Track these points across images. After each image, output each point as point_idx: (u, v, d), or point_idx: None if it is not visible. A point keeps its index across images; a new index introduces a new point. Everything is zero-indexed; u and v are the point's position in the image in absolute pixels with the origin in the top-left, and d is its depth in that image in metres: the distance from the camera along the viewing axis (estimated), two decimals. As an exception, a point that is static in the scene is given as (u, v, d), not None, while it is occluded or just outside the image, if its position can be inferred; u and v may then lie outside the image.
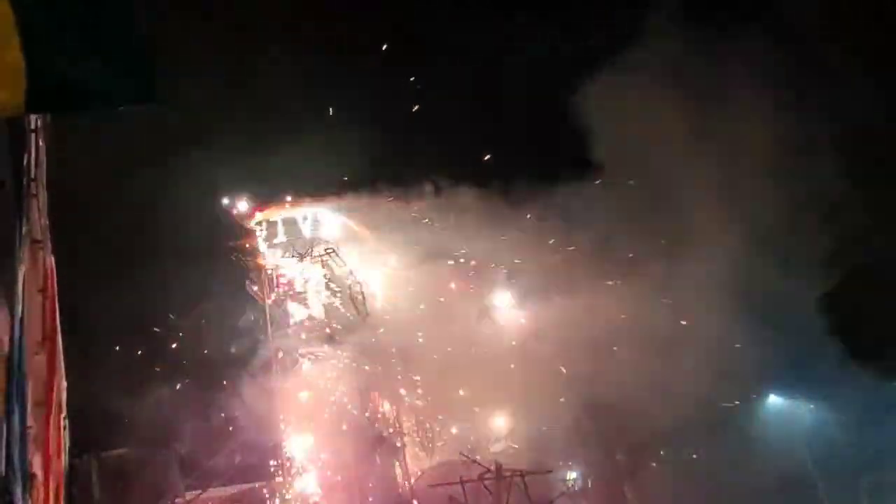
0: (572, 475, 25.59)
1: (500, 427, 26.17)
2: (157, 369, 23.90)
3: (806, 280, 24.95)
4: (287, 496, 23.96)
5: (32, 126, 7.26)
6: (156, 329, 25.08)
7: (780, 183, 24.78)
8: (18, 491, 6.20)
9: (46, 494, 9.65)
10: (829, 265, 24.99)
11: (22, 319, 6.31)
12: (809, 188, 24.52)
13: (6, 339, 6.43)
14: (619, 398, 24.46)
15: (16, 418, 5.89)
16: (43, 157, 9.63)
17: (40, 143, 8.45)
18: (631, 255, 25.39)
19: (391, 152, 28.27)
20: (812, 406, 28.20)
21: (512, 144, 28.45)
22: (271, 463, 24.56)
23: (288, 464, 24.41)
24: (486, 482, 20.23)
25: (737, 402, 26.67)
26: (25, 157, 6.96)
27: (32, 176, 7.37)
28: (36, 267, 8.64)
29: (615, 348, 24.37)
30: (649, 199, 26.06)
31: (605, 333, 24.26)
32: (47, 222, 10.12)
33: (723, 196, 25.28)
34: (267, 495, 24.31)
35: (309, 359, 25.33)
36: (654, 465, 25.42)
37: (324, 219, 28.33)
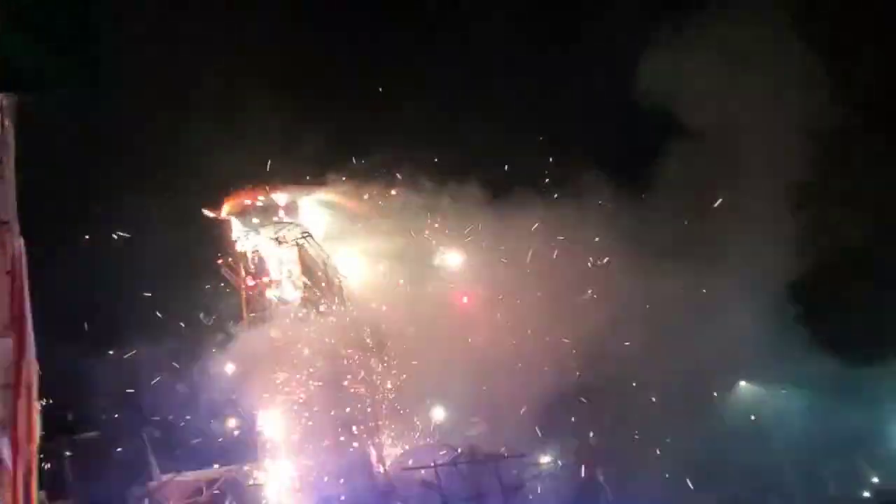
0: (546, 459, 25.88)
1: (475, 412, 26.41)
2: (130, 351, 23.68)
3: (775, 268, 25.38)
4: (261, 479, 24.02)
5: (-2, 107, 7.18)
6: (128, 309, 24.86)
7: (749, 171, 25.11)
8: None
9: (15, 479, 9.64)
10: (798, 253, 25.43)
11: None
12: (779, 176, 24.88)
13: (-29, 323, 6.41)
14: (593, 383, 24.86)
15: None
16: (10, 138, 9.55)
17: (6, 123, 8.36)
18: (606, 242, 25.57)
19: (371, 136, 28.17)
20: (782, 392, 28.75)
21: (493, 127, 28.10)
22: (245, 446, 24.56)
23: (262, 447, 24.44)
24: (460, 466, 20.48)
25: (710, 390, 27.09)
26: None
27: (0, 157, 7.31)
28: (3, 249, 8.58)
29: (588, 334, 24.62)
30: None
31: (579, 320, 24.52)
32: (15, 203, 10.03)
33: (693, 184, 25.59)
34: (241, 478, 24.34)
35: (283, 343, 25.32)
36: (627, 449, 25.76)
37: (300, 205, 28.23)
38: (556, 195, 25.98)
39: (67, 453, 21.09)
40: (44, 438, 16.08)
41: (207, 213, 27.03)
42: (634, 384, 25.29)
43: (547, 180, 26.44)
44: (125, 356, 23.65)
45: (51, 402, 17.12)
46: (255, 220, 27.69)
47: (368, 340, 25.73)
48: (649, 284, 24.84)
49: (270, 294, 26.94)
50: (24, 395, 10.50)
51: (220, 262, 26.96)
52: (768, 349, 25.48)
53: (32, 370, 13.24)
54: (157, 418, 24.35)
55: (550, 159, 26.75)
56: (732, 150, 25.18)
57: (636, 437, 26.26)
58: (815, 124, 24.41)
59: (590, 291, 25.65)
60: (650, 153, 27.45)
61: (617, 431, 25.77)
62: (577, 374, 24.40)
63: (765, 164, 25.09)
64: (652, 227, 25.19)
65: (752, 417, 27.54)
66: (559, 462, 25.55)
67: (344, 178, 27.23)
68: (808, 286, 26.06)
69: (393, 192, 27.18)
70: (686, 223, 25.38)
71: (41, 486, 14.61)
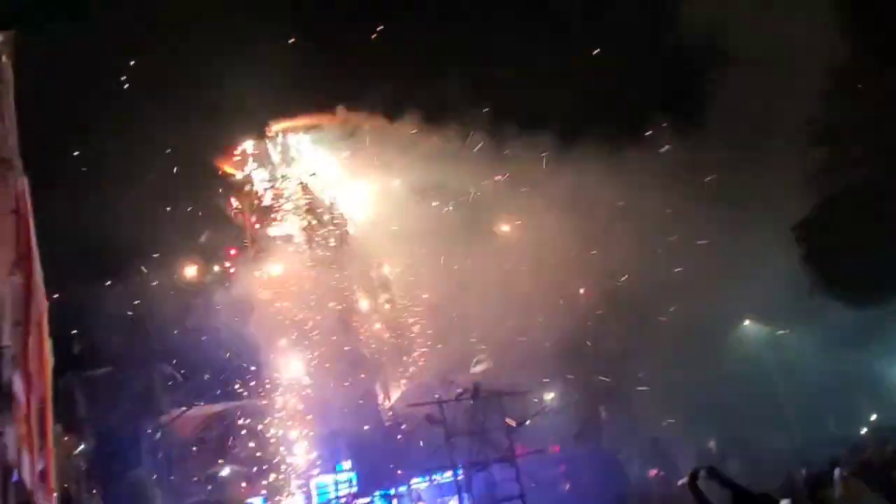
0: (549, 396, 26.24)
1: (479, 348, 26.68)
2: (140, 287, 23.83)
3: (780, 208, 25.19)
4: (268, 414, 24.54)
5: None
6: (135, 247, 24.94)
7: (755, 112, 24.64)
8: (-4, 408, 6.34)
9: (28, 412, 9.85)
10: (803, 194, 25.18)
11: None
12: (785, 117, 24.44)
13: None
14: (597, 318, 24.94)
15: (-10, 339, 5.96)
16: (9, 74, 9.40)
17: (3, 60, 8.22)
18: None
19: (376, 73, 27.60)
20: (786, 332, 28.85)
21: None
22: (253, 382, 25.00)
23: (269, 383, 24.89)
24: (464, 402, 20.80)
25: (714, 328, 27.17)
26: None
27: (-4, 94, 7.19)
28: (6, 188, 8.55)
29: (599, 271, 24.62)
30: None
31: (587, 253, 24.48)
32: (16, 141, 9.95)
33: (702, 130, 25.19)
34: (249, 413, 24.87)
35: (288, 280, 25.52)
36: (630, 387, 26.03)
37: (305, 145, 28.04)
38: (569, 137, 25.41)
39: (79, 389, 21.49)
40: (55, 373, 16.49)
41: (216, 151, 26.96)
42: (639, 322, 25.37)
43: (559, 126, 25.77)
44: (135, 293, 23.78)
45: (61, 337, 17.44)
46: (262, 159, 27.61)
47: (374, 277, 25.87)
48: (661, 225, 24.67)
49: (275, 232, 26.98)
50: (34, 332, 10.65)
51: (229, 202, 26.97)
52: (774, 288, 25.44)
53: (42, 307, 13.42)
54: (168, 355, 24.76)
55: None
56: (745, 87, 24.61)
57: (639, 375, 26.50)
58: (829, 60, 23.79)
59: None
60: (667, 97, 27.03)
61: (620, 369, 26.00)
62: (585, 312, 24.40)
63: (776, 101, 24.56)
64: (665, 167, 24.83)
65: (756, 357, 27.74)
66: (563, 399, 25.89)
67: (352, 117, 26.87)
68: (816, 225, 25.87)
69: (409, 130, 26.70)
70: (694, 162, 25.00)
71: (56, 420, 14.98)
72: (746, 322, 29.91)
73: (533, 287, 24.49)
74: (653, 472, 24.68)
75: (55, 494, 13.43)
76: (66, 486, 16.88)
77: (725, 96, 24.94)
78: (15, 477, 8.54)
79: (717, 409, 24.49)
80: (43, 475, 11.97)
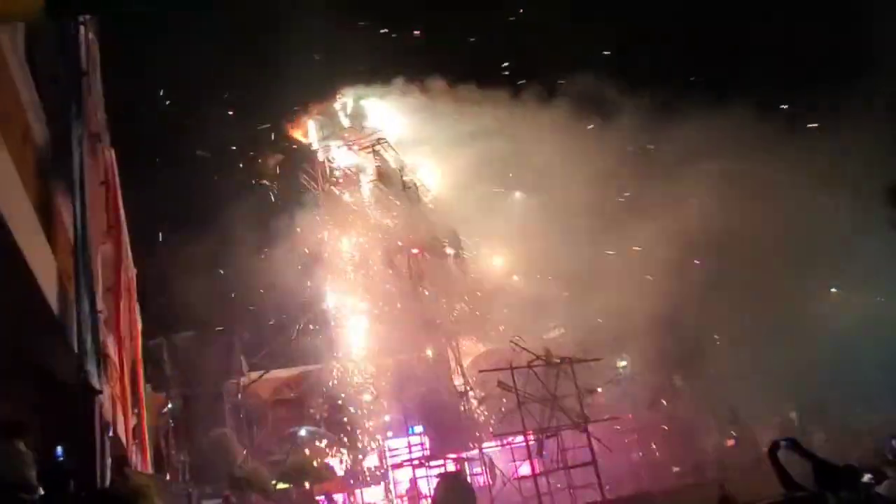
0: (622, 363, 25.90)
1: (552, 314, 26.48)
2: (221, 257, 24.63)
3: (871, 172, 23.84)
4: (343, 378, 25.13)
5: (81, 19, 7.27)
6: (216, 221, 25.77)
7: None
8: (93, 368, 6.70)
9: (122, 372, 10.42)
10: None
11: (84, 211, 6.60)
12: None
13: (72, 229, 6.76)
14: (675, 288, 24.29)
15: (85, 302, 6.29)
16: (96, 51, 9.74)
17: (91, 36, 8.49)
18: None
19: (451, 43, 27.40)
20: (876, 300, 27.53)
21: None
22: (328, 347, 25.61)
23: (344, 348, 25.46)
24: (536, 368, 20.76)
25: (801, 295, 26.18)
26: (76, 51, 7.02)
27: (85, 70, 7.46)
28: (96, 160, 8.92)
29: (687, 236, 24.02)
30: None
31: (666, 223, 23.89)
32: (105, 115, 10.34)
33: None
34: (325, 377, 25.54)
35: (361, 246, 25.86)
36: (708, 354, 25.36)
37: (377, 111, 28.11)
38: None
39: (165, 351, 22.50)
40: (145, 336, 17.33)
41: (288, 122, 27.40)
42: (721, 289, 24.64)
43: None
44: (216, 260, 24.58)
45: (150, 303, 18.31)
46: (333, 128, 27.92)
47: (446, 243, 25.87)
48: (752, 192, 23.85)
49: (348, 198, 27.26)
50: (125, 297, 11.21)
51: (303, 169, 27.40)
52: (864, 256, 24.25)
53: (131, 273, 14.08)
54: (248, 320, 25.66)
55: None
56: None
57: (717, 341, 25.81)
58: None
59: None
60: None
61: (698, 336, 25.34)
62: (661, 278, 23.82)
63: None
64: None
65: (841, 326, 26.57)
66: (636, 367, 25.48)
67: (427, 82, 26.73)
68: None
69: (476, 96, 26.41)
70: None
71: (145, 381, 15.79)
72: (833, 290, 28.67)
73: (614, 255, 24.12)
74: (730, 441, 24.14)
75: (149, 449, 14.26)
76: (156, 442, 17.79)
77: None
78: (111, 433, 9.06)
79: (800, 379, 23.68)
80: (136, 432, 12.70)
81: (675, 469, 20.86)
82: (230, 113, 25.45)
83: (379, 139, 27.21)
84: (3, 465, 4.88)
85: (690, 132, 23.72)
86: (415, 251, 25.29)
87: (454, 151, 26.20)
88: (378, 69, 27.32)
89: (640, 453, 23.48)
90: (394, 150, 27.10)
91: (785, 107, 25.47)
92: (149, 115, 24.25)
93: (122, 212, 11.12)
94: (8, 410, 6.41)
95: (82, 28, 7.26)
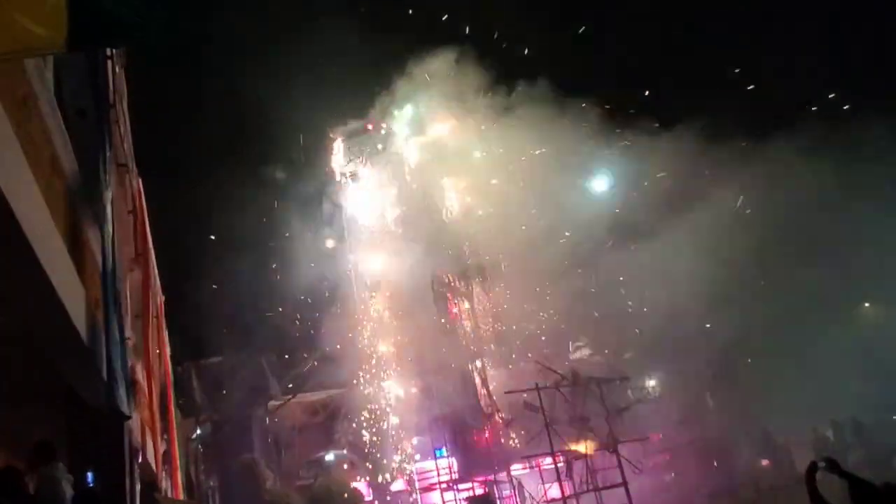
0: (650, 383, 25.58)
1: (579, 334, 26.26)
2: (247, 282, 24.87)
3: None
4: (370, 402, 25.12)
5: (108, 53, 7.48)
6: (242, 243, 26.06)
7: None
8: (122, 394, 6.80)
9: (150, 398, 10.54)
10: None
11: (113, 239, 6.74)
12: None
13: (100, 256, 6.90)
14: (703, 304, 23.99)
15: (114, 327, 6.40)
16: (122, 83, 9.99)
17: (117, 70, 8.73)
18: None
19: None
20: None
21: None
22: (354, 370, 25.64)
23: (370, 371, 25.47)
24: (563, 389, 20.59)
25: (831, 309, 25.71)
26: (103, 84, 7.21)
27: (112, 102, 7.66)
28: (124, 190, 9.12)
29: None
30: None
31: (695, 235, 23.70)
32: (131, 146, 10.57)
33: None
34: (351, 401, 25.55)
35: (386, 268, 25.94)
36: (739, 373, 24.90)
37: (401, 125, 28.32)
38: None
39: (194, 376, 22.73)
40: (174, 362, 17.49)
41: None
42: (750, 306, 24.29)
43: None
44: (244, 289, 24.80)
45: (178, 328, 18.53)
46: (356, 148, 28.22)
47: (471, 263, 25.84)
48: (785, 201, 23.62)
49: (371, 222, 27.40)
50: (153, 323, 11.37)
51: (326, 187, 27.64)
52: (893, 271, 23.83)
53: (159, 300, 14.28)
54: (275, 345, 25.82)
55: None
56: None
57: (749, 361, 25.40)
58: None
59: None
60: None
61: (729, 355, 24.93)
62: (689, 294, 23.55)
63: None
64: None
65: (875, 340, 26.03)
66: (665, 387, 25.14)
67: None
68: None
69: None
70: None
71: (175, 406, 15.93)
72: (866, 304, 28.18)
73: (643, 272, 23.90)
74: (765, 461, 23.65)
75: (180, 474, 14.35)
76: (185, 468, 17.89)
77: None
78: (140, 458, 9.16)
79: (835, 396, 23.18)
80: (166, 457, 12.81)
81: (708, 491, 20.43)
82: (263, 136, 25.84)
83: (403, 162, 27.43)
84: (47, 488, 4.97)
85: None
86: (445, 277, 25.27)
87: (482, 175, 26.31)
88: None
89: (672, 474, 23.08)
90: (417, 172, 27.25)
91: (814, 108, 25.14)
92: (177, 142, 24.72)
93: (149, 239, 11.31)
94: (39, 435, 6.53)
95: (109, 62, 7.47)
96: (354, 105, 28.21)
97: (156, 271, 12.99)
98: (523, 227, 24.51)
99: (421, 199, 26.93)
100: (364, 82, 27.54)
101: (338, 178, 28.49)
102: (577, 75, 26.77)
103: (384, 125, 28.33)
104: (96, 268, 6.99)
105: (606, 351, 25.20)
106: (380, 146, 28.15)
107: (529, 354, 24.51)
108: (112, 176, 7.21)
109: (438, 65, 26.12)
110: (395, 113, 27.96)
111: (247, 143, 26.17)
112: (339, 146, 28.80)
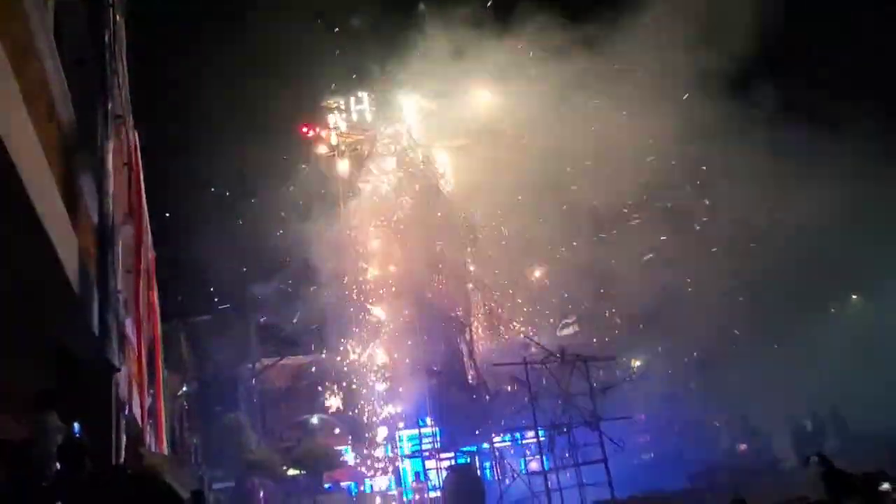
0: (636, 363, 25.78)
1: (568, 311, 26.38)
2: (238, 244, 24.75)
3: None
4: (356, 368, 25.22)
5: (109, 1, 7.31)
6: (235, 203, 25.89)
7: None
8: (112, 347, 6.77)
9: (139, 353, 10.52)
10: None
11: (108, 192, 6.66)
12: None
13: (95, 209, 6.82)
14: (696, 288, 24.12)
15: (106, 282, 6.35)
16: (122, 33, 9.80)
17: (118, 18, 8.53)
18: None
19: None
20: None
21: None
22: (341, 335, 25.69)
23: (358, 338, 25.54)
24: (550, 365, 20.71)
25: (820, 300, 25.91)
26: (105, 33, 7.06)
27: (112, 52, 7.50)
28: (120, 142, 8.98)
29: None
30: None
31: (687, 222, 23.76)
32: (129, 98, 10.40)
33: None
34: (338, 366, 25.65)
35: (379, 233, 25.89)
36: (723, 359, 25.14)
37: (398, 98, 28.04)
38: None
39: (183, 334, 22.71)
40: (162, 319, 17.47)
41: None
42: (740, 292, 24.45)
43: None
44: (234, 250, 24.66)
45: (168, 286, 18.50)
46: (355, 115, 27.97)
47: (463, 238, 25.82)
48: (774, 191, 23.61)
49: (366, 185, 27.27)
50: (143, 279, 11.31)
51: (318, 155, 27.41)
52: (888, 263, 23.91)
53: (151, 256, 14.19)
54: (263, 307, 25.80)
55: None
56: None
57: (734, 346, 25.60)
58: None
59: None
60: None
61: (714, 340, 25.13)
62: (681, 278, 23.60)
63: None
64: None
65: (863, 333, 26.25)
66: (651, 368, 25.37)
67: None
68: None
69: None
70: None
71: (163, 363, 15.93)
72: (854, 297, 28.36)
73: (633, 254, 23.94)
74: (742, 446, 23.97)
75: (165, 430, 14.40)
76: (170, 424, 17.97)
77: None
78: (127, 412, 9.16)
79: (815, 387, 23.43)
80: (151, 412, 12.83)
81: (686, 472, 20.71)
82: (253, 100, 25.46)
83: (400, 131, 27.21)
84: (39, 435, 4.95)
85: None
86: (438, 243, 25.22)
87: (478, 147, 26.13)
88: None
89: (652, 454, 23.38)
90: (413, 139, 27.07)
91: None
92: (173, 98, 24.34)
93: (143, 194, 11.20)
94: (27, 386, 6.50)
95: (111, 9, 7.31)
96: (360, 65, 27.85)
97: (149, 227, 12.90)
98: (519, 198, 24.46)
99: (419, 166, 26.85)
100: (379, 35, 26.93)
101: (335, 140, 28.23)
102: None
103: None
104: (90, 220, 6.91)
105: (595, 330, 25.35)
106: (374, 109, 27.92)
107: (516, 324, 24.68)
108: (109, 127, 7.09)
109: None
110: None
111: (246, 101, 25.66)
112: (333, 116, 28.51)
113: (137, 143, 11.23)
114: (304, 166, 27.14)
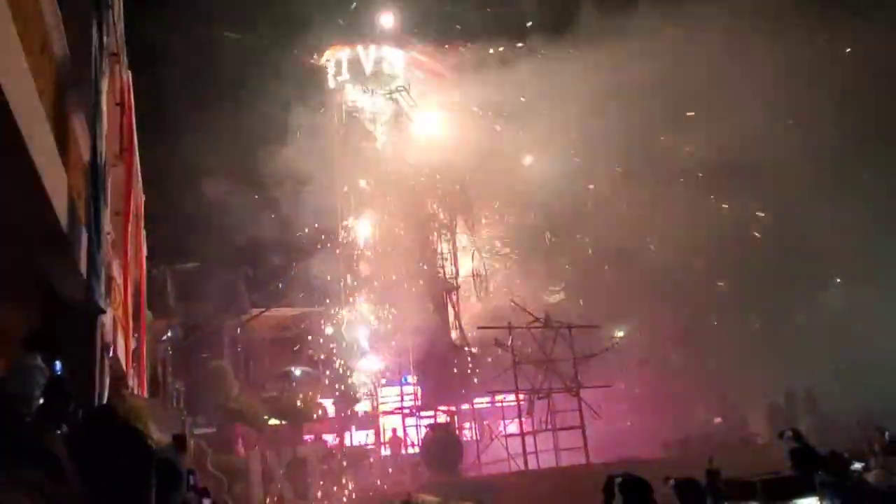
0: (620, 333, 25.98)
1: (557, 278, 26.49)
2: (229, 190, 24.43)
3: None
4: (342, 322, 25.25)
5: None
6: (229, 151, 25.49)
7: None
8: (100, 290, 6.71)
9: (125, 296, 10.46)
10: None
11: (100, 130, 6.52)
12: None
13: (86, 147, 6.68)
14: (682, 260, 24.22)
15: (94, 222, 6.26)
16: (119, -32, 9.51)
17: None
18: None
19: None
20: (874, 292, 27.43)
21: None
22: (328, 291, 25.67)
23: (345, 293, 25.52)
24: (535, 330, 20.87)
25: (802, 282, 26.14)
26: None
27: (109, -15, 7.28)
28: (113, 80, 8.78)
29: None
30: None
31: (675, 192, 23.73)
32: (123, 34, 10.15)
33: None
34: (324, 320, 25.69)
35: (372, 193, 25.72)
36: (705, 332, 25.37)
37: (397, 58, 27.60)
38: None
39: (169, 280, 22.60)
40: (150, 263, 17.35)
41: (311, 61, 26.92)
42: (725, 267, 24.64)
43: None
44: (225, 199, 24.35)
45: (157, 231, 18.32)
46: (352, 71, 27.48)
47: (455, 198, 25.71)
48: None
49: (363, 145, 26.96)
50: (132, 221, 11.18)
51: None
52: (872, 247, 24.05)
53: (140, 199, 14.04)
54: (251, 257, 25.70)
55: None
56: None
57: (715, 323, 25.87)
58: None
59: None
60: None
61: (697, 314, 25.36)
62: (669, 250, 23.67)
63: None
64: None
65: (843, 315, 26.54)
66: (634, 337, 25.57)
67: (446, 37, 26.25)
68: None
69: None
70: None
71: (147, 307, 15.89)
72: (838, 280, 28.58)
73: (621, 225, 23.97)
74: (718, 419, 24.39)
75: (146, 374, 14.43)
76: (154, 368, 18.00)
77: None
78: (110, 353, 9.14)
79: (794, 366, 23.75)
80: (135, 355, 12.83)
81: (662, 440, 21.09)
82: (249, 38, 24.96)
83: (398, 87, 26.80)
84: (17, 374, 4.89)
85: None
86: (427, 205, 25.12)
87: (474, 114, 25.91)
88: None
89: (629, 423, 23.74)
90: (412, 99, 26.71)
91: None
92: (165, 37, 23.72)
93: (135, 135, 11.01)
94: (11, 324, 6.44)
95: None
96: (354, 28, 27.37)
97: (139, 169, 12.72)
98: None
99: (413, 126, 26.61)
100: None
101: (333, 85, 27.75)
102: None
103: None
104: (80, 158, 6.78)
105: (581, 300, 25.49)
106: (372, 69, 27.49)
107: (505, 289, 24.79)
108: (103, 64, 6.92)
109: None
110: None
111: (240, 45, 25.13)
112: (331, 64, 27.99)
113: (130, 83, 11.01)
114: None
